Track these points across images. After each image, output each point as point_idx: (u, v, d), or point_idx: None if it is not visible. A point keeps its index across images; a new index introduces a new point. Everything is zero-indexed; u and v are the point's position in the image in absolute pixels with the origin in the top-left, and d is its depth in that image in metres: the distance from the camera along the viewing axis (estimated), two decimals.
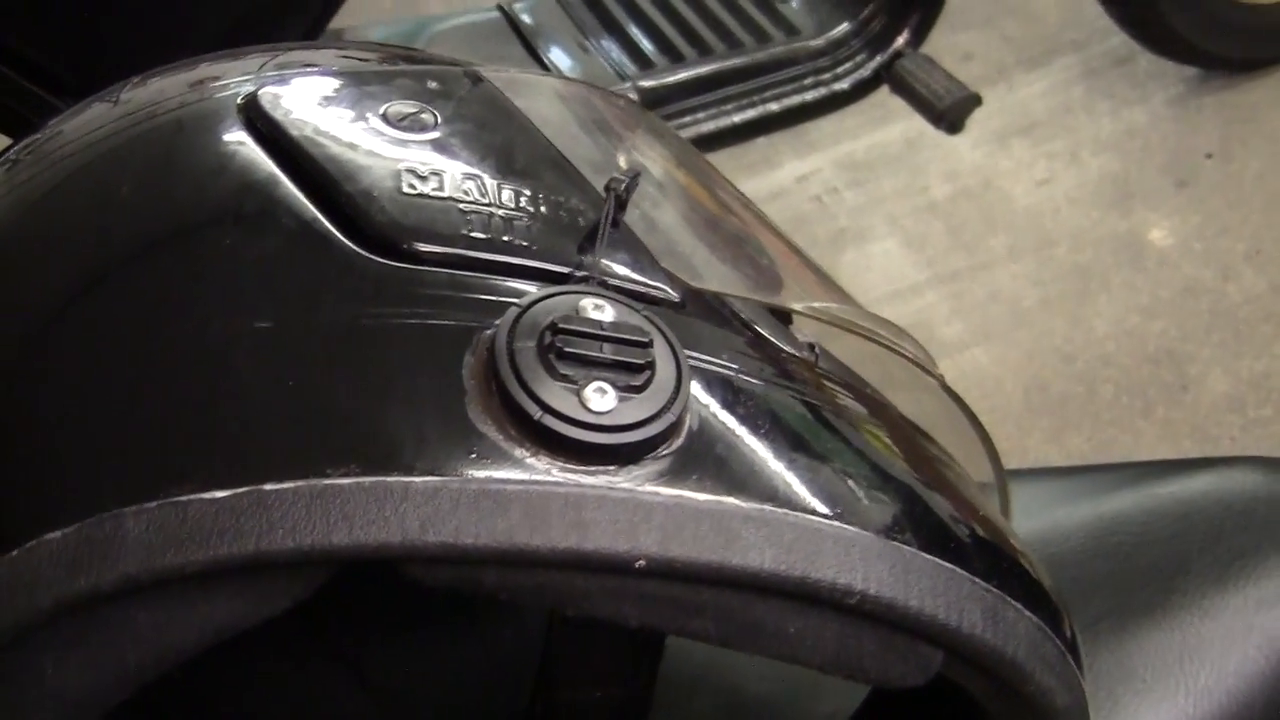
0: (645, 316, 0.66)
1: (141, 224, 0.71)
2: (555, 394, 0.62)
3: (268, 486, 0.59)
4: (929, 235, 3.16)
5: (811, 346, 0.76)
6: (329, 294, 0.66)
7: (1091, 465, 1.22)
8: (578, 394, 0.62)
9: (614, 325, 0.65)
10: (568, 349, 0.63)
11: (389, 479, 0.59)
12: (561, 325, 0.63)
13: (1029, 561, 0.75)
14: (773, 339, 0.75)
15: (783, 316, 0.78)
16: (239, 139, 0.73)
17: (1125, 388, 2.80)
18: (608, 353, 0.63)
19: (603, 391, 0.62)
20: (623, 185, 0.72)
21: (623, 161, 0.81)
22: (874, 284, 3.06)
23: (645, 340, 0.64)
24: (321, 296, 0.66)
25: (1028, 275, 3.04)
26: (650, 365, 0.64)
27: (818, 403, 0.72)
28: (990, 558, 0.71)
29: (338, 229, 0.68)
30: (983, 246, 3.12)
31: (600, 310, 0.65)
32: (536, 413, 0.61)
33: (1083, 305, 2.96)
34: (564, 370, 0.62)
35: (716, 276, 0.75)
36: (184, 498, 0.59)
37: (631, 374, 0.63)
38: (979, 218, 3.18)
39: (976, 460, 0.85)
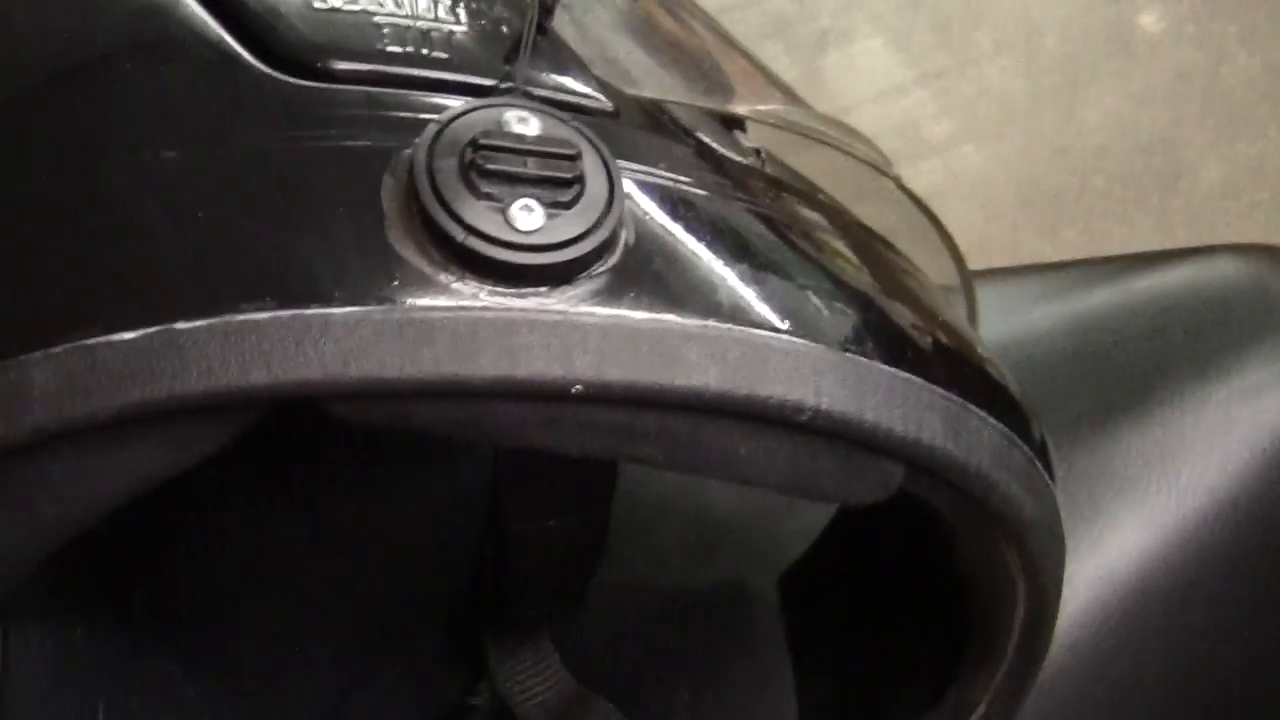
0: (573, 127, 0.63)
1: (29, 50, 0.67)
2: (479, 214, 0.59)
3: (179, 325, 0.56)
4: (913, 32, 3.08)
5: (758, 152, 0.73)
6: (237, 119, 0.62)
7: (1069, 261, 1.19)
8: (503, 213, 0.59)
9: (539, 139, 0.61)
10: (490, 166, 0.59)
11: (306, 311, 0.57)
12: (483, 141, 0.60)
13: (994, 367, 0.73)
14: (716, 146, 0.71)
15: (728, 124, 0.75)
16: None
17: (1118, 179, 2.75)
18: (533, 168, 0.60)
19: (529, 209, 0.59)
20: None
21: None
22: (859, 85, 3.00)
23: (573, 153, 0.61)
24: (229, 122, 0.62)
25: (1016, 68, 2.98)
26: (579, 179, 0.61)
27: (766, 210, 0.69)
28: (952, 365, 0.69)
29: (246, 50, 0.64)
30: (969, 41, 3.04)
31: (524, 123, 0.62)
32: (460, 234, 0.58)
33: (1073, 96, 2.90)
34: (487, 189, 0.59)
35: (654, 82, 0.71)
36: (90, 341, 0.56)
37: (559, 189, 0.60)
38: (964, 12, 3.09)
39: (940, 265, 0.82)
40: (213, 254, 0.59)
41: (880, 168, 0.76)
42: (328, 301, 0.57)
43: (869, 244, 0.75)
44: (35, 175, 0.62)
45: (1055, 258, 2.57)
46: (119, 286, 0.58)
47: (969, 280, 0.84)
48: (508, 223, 0.59)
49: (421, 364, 0.57)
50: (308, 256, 0.59)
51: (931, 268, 0.78)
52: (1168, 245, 2.51)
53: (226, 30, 0.65)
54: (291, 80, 0.64)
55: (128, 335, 0.56)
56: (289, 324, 0.57)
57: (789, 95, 0.80)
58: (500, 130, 0.61)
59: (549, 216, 0.59)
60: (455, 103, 0.64)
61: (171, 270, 0.59)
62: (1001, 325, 1.06)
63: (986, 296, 0.94)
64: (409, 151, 0.61)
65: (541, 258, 0.59)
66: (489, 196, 0.59)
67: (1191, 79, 2.89)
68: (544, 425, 0.60)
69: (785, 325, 0.63)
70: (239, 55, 0.64)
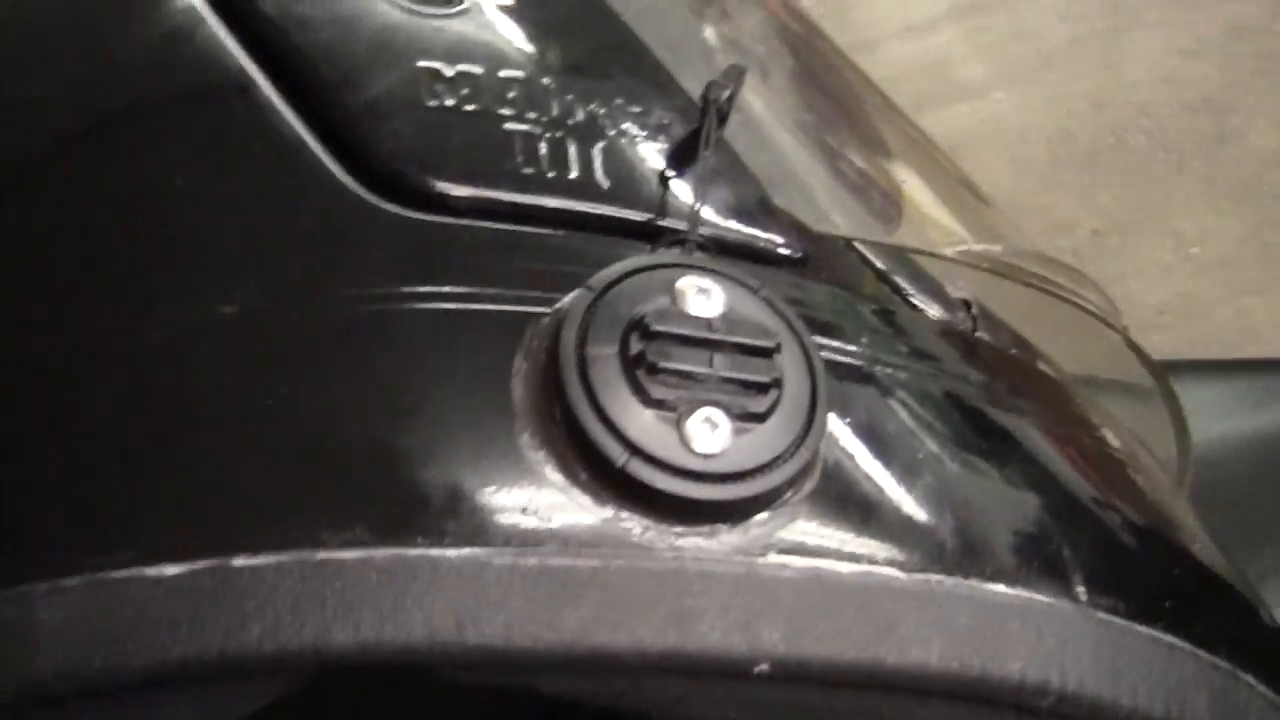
0: (766, 301, 0.48)
1: (49, 132, 0.52)
2: (647, 427, 0.45)
3: (237, 562, 0.43)
4: None
5: (968, 306, 0.58)
6: (319, 264, 0.48)
7: (1245, 361, 1.04)
8: (678, 427, 0.45)
9: (728, 322, 0.47)
10: (664, 363, 0.45)
11: (410, 552, 0.44)
12: (656, 326, 0.45)
13: (1256, 599, 0.58)
14: (923, 305, 0.56)
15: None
16: (190, 7, 0.54)
17: (1160, 139, 2.58)
18: (720, 367, 0.46)
19: (713, 424, 0.45)
20: (725, 92, 0.53)
21: (720, 47, 0.61)
22: (887, 18, 2.81)
23: (770, 345, 0.46)
24: (309, 268, 0.48)
25: (1055, 10, 2.79)
26: (777, 382, 0.46)
27: (987, 401, 0.54)
28: (1215, 611, 0.55)
29: (331, 159, 0.49)
30: None
31: (706, 297, 0.47)
32: (620, 456, 0.44)
33: (1115, 45, 2.71)
34: (659, 393, 0.45)
35: (849, 214, 0.56)
36: (119, 574, 0.43)
37: (752, 395, 0.46)
38: None
39: (1157, 422, 0.68)
40: (284, 458, 0.45)
41: (1107, 319, 0.62)
42: (438, 537, 0.44)
43: (1102, 435, 0.60)
44: (49, 325, 0.47)
45: (1089, 224, 2.41)
46: (158, 500, 0.44)
47: (1186, 444, 0.70)
48: (683, 442, 0.45)
49: (562, 630, 0.44)
50: (412, 470, 0.44)
51: (1149, 425, 0.64)
52: (1209, 216, 2.37)
53: (309, 131, 0.50)
54: (394, 210, 0.49)
55: (170, 570, 0.43)
56: (386, 567, 0.43)
57: (995, 213, 0.65)
58: (676, 308, 0.47)
59: (737, 433, 0.45)
60: (608, 249, 0.49)
61: (229, 480, 0.44)
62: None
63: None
64: (549, 321, 0.47)
65: (726, 490, 0.45)
66: (660, 404, 0.45)
67: (1245, 34, 2.70)
68: (710, 704, 0.46)
69: (1018, 569, 0.49)
70: (322, 167, 0.49)
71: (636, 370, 0.45)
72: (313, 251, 0.48)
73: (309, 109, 0.51)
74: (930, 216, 0.62)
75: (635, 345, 0.45)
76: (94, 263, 0.48)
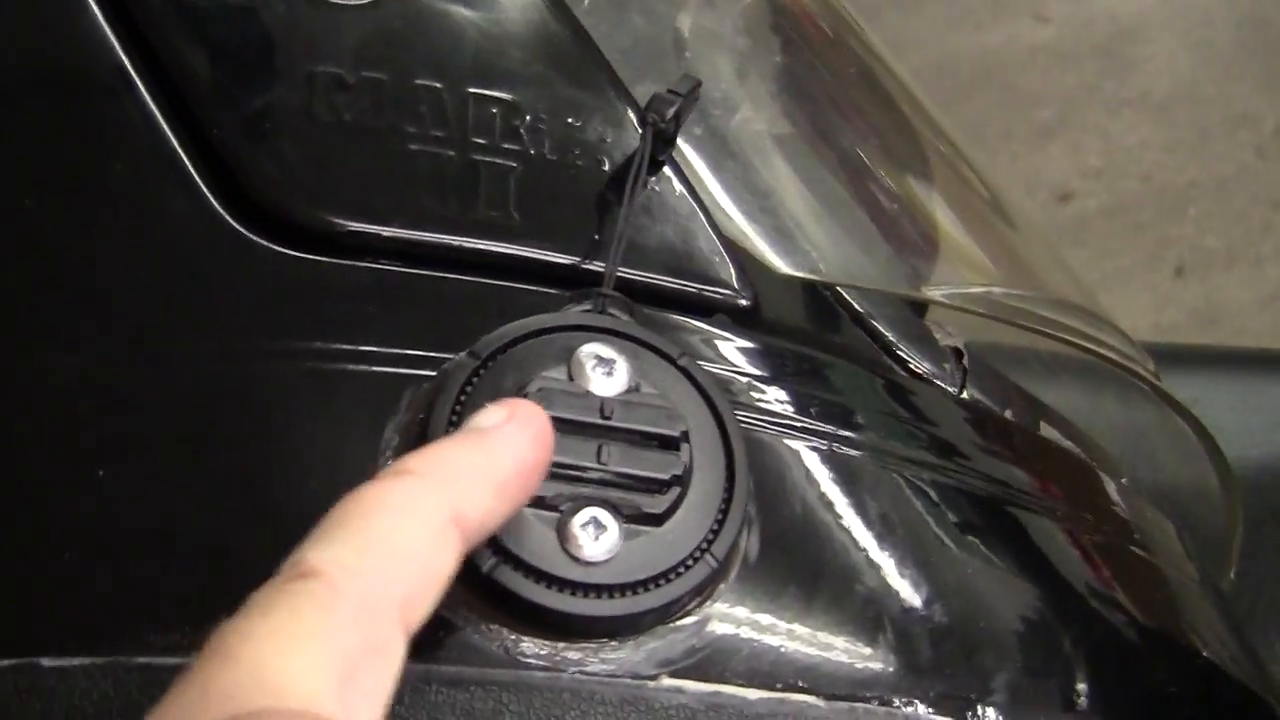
0: (684, 371, 0.42)
1: None
2: (521, 528, 0.39)
3: (45, 662, 0.39)
4: None
5: (959, 356, 0.51)
6: (172, 310, 0.43)
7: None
8: (558, 529, 0.39)
9: (626, 403, 0.40)
10: None
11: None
12: (541, 402, 0.39)
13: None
14: (904, 351, 0.49)
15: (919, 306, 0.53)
16: None
17: None
18: (611, 460, 0.40)
19: (599, 525, 0.39)
20: (669, 110, 0.46)
21: (694, 43, 0.53)
22: None
23: (674, 435, 0.40)
24: (159, 314, 0.42)
25: None
26: (681, 478, 0.40)
27: (956, 488, 0.48)
28: None
29: (204, 182, 0.44)
30: None
31: (607, 370, 0.41)
32: (487, 560, 0.39)
33: None
34: (540, 489, 0.39)
35: (823, 253, 0.49)
36: None
37: (649, 494, 0.40)
38: None
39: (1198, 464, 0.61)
40: (108, 548, 0.40)
41: (1134, 367, 0.54)
42: None
43: (1106, 522, 0.53)
44: None
45: (1274, 119, 2.27)
46: None
47: (1232, 486, 0.62)
48: (563, 546, 0.39)
49: None
50: (250, 567, 0.39)
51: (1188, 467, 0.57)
52: None
53: (181, 146, 0.44)
54: (268, 246, 0.43)
55: None
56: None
57: (1029, 243, 0.58)
58: (569, 384, 0.41)
59: (628, 536, 0.39)
60: (516, 298, 0.43)
61: (43, 569, 0.40)
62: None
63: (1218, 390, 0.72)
64: (426, 390, 0.41)
65: (611, 605, 0.39)
66: (538, 501, 0.39)
67: None
68: None
69: (980, 697, 0.42)
70: (197, 195, 0.44)
71: None
72: (166, 295, 0.43)
73: (188, 117, 0.45)
74: (950, 251, 0.54)
75: None
76: None
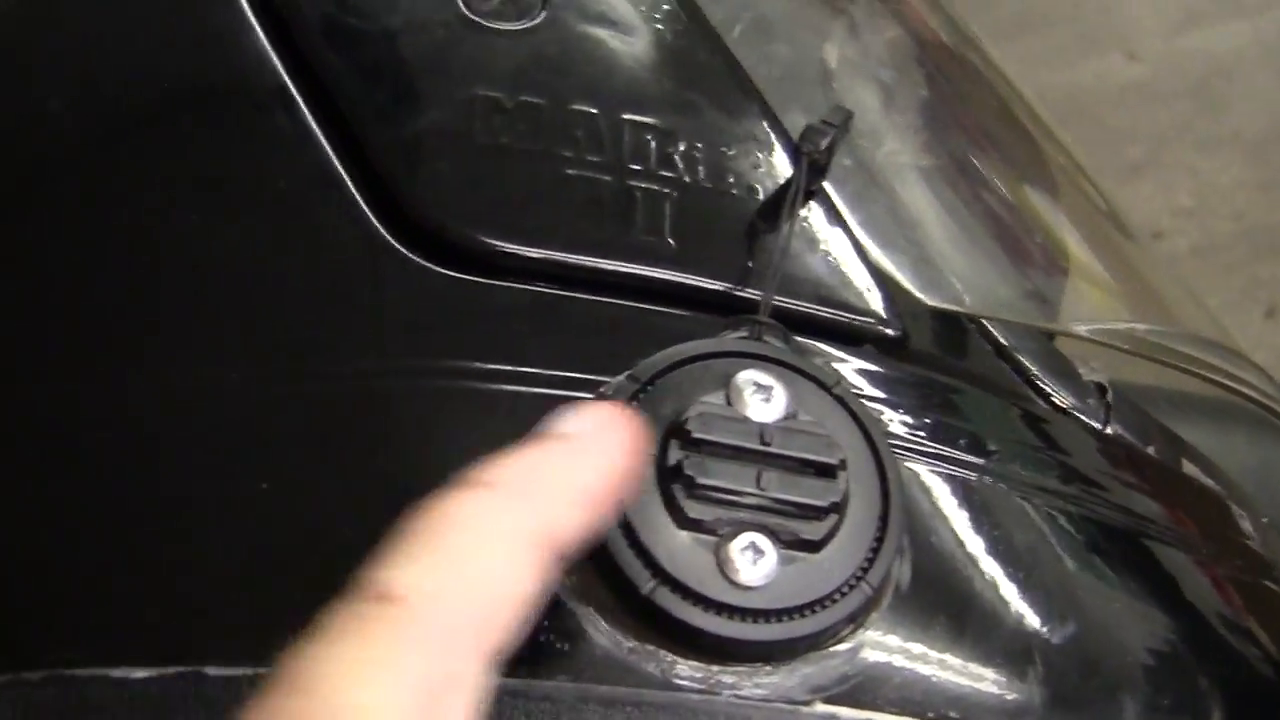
0: (839, 400, 0.42)
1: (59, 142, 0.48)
2: (680, 551, 0.40)
3: (210, 671, 0.39)
4: None
5: (1103, 392, 0.51)
6: (332, 326, 0.44)
7: None
8: (716, 552, 0.39)
9: (785, 430, 0.41)
10: (705, 479, 0.39)
11: None
12: (697, 433, 0.40)
13: None
14: (1048, 385, 0.50)
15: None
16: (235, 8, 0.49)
17: None
18: (770, 486, 0.40)
19: (757, 551, 0.40)
20: (823, 141, 0.47)
21: (842, 74, 0.54)
22: None
23: (833, 463, 0.41)
24: (319, 330, 0.43)
25: None
26: (839, 505, 0.41)
27: (1107, 523, 0.48)
28: None
29: (365, 204, 0.45)
30: None
31: (765, 396, 0.42)
32: (647, 583, 0.39)
33: None
34: (695, 512, 0.40)
35: (967, 285, 0.50)
36: (81, 672, 0.40)
37: (806, 520, 0.40)
38: None
39: None
40: (270, 559, 0.41)
41: (1273, 406, 0.54)
42: None
43: (1249, 560, 0.53)
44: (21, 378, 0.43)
45: None
46: (128, 596, 0.41)
47: None
48: (721, 570, 0.40)
49: None
50: None
51: None
52: None
53: (343, 165, 0.45)
54: (426, 265, 0.44)
55: (137, 673, 0.39)
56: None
57: (1167, 282, 0.58)
58: (727, 410, 0.41)
59: (785, 562, 0.40)
60: (671, 322, 0.44)
61: (207, 579, 0.40)
62: None
63: None
64: None
65: (767, 630, 0.40)
66: (697, 525, 0.40)
67: None
68: None
69: None
70: (357, 213, 0.45)
71: (673, 485, 0.40)
72: (325, 311, 0.44)
73: (349, 138, 0.46)
74: (1089, 288, 0.55)
75: (674, 455, 0.40)
76: (71, 307, 0.44)
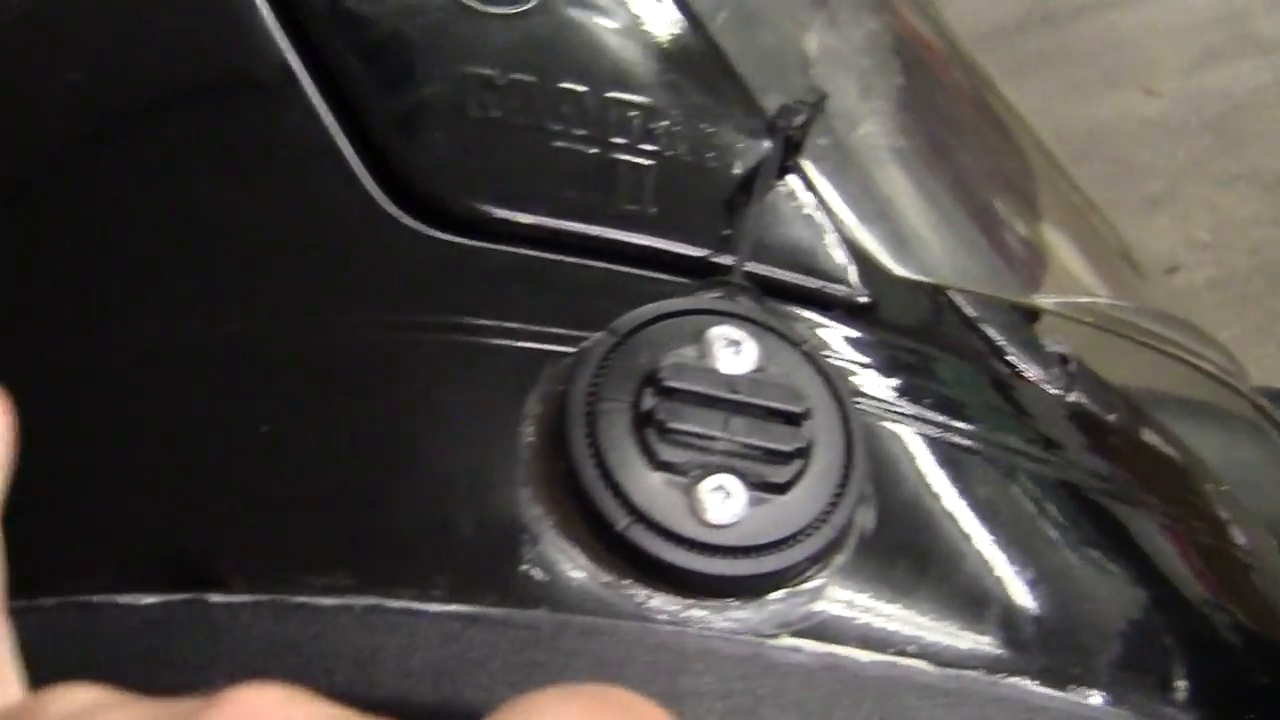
0: (807, 356, 0.46)
1: (70, 118, 0.52)
2: (653, 491, 0.43)
3: (213, 598, 0.43)
4: None
5: (1064, 361, 0.55)
6: (333, 282, 0.47)
7: None
8: (688, 493, 0.43)
9: (754, 382, 0.45)
10: (676, 424, 0.43)
11: (391, 603, 0.43)
12: (669, 381, 0.44)
13: None
14: (1013, 356, 0.53)
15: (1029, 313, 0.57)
16: None
17: None
18: (739, 431, 0.44)
19: (726, 492, 0.43)
20: (796, 120, 0.50)
21: (821, 60, 0.58)
22: None
23: (799, 411, 0.44)
24: (322, 286, 0.47)
25: None
26: (804, 451, 0.44)
27: (1062, 479, 0.51)
28: None
29: (363, 168, 0.49)
30: None
31: (736, 350, 0.45)
32: (621, 520, 0.43)
33: None
34: (668, 454, 0.43)
35: (936, 257, 0.53)
36: (92, 598, 0.43)
37: (773, 464, 0.44)
38: None
39: None
40: (270, 495, 0.44)
41: (1232, 383, 0.58)
42: (423, 589, 0.43)
43: (1205, 524, 0.56)
44: (44, 327, 0.47)
45: None
46: (137, 526, 0.44)
47: None
48: (693, 509, 0.43)
49: None
50: (402, 517, 0.44)
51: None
52: None
53: (344, 136, 0.49)
54: (422, 229, 0.48)
55: (145, 599, 0.43)
56: (365, 618, 0.42)
57: (1130, 265, 0.61)
58: (698, 363, 0.45)
59: (753, 503, 0.43)
60: (649, 285, 0.48)
61: (210, 512, 0.44)
62: None
63: None
64: (566, 364, 0.45)
65: (736, 565, 0.43)
66: (669, 466, 0.43)
67: None
68: None
69: (1079, 675, 0.46)
70: (356, 180, 0.49)
71: (646, 429, 0.44)
72: (326, 270, 0.47)
73: (348, 111, 0.50)
74: (1056, 264, 0.58)
75: (648, 401, 0.44)
76: (87, 263, 0.48)
